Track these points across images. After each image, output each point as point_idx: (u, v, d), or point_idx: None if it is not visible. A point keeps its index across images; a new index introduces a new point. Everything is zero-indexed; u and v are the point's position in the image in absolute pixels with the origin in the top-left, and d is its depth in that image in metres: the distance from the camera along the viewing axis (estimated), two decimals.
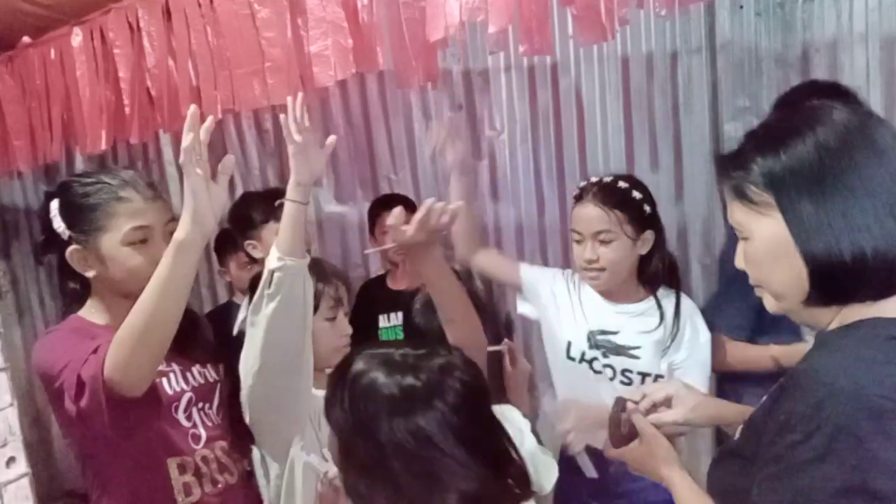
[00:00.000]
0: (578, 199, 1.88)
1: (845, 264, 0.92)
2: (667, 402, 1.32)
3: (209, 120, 1.33)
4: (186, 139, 1.30)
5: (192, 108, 1.33)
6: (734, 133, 2.60)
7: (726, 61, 2.65)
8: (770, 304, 1.04)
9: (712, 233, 2.72)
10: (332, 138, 1.57)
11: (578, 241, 1.87)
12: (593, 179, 1.91)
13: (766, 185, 0.98)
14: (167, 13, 2.14)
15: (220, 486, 1.63)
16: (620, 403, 1.33)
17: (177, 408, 1.60)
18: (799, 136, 0.96)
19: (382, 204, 2.63)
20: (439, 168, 2.94)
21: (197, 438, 1.61)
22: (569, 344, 1.92)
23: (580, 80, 2.80)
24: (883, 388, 0.87)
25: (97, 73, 2.29)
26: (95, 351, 1.39)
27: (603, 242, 1.83)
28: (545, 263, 2.83)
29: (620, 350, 1.87)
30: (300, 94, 1.51)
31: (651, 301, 1.90)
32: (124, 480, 1.54)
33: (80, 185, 1.56)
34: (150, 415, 1.52)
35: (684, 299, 1.92)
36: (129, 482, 1.54)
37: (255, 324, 1.49)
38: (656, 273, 1.90)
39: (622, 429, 1.31)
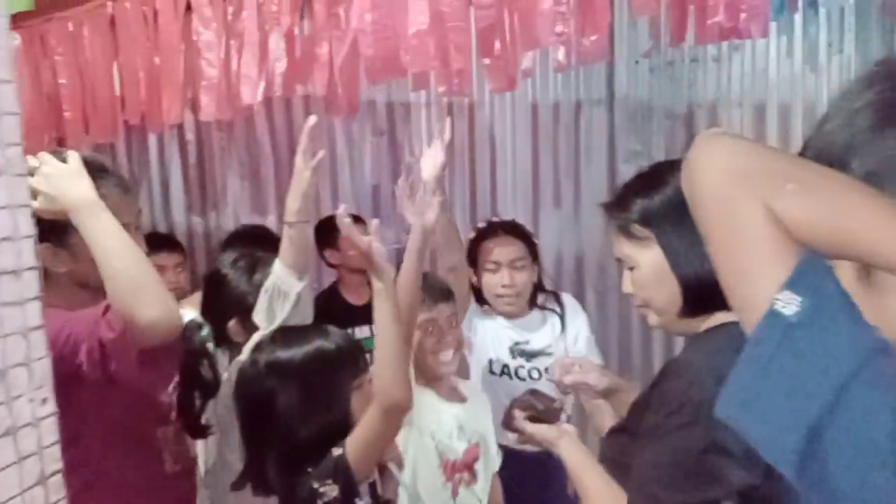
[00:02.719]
0: (487, 235, 2.17)
1: (710, 283, 1.14)
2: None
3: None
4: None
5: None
6: (628, 174, 2.85)
7: (623, 112, 2.98)
8: (653, 320, 1.26)
9: (606, 263, 3.01)
10: (321, 153, 1.60)
11: (493, 271, 2.14)
12: (495, 219, 2.26)
13: (645, 223, 1.19)
14: (113, 25, 2.23)
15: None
16: (517, 402, 1.53)
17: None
18: (666, 183, 1.19)
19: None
20: (357, 187, 3.13)
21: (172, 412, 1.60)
22: (490, 361, 2.18)
23: (493, 121, 3.06)
24: None
25: (37, 77, 2.34)
26: (100, 321, 1.30)
27: (517, 269, 2.13)
28: None
29: (537, 353, 2.18)
30: (312, 119, 1.57)
31: (538, 311, 2.22)
32: (119, 454, 1.46)
33: None
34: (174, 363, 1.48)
35: (562, 296, 2.26)
36: (124, 455, 1.47)
37: None
38: (539, 293, 2.23)
39: (514, 421, 1.50)
